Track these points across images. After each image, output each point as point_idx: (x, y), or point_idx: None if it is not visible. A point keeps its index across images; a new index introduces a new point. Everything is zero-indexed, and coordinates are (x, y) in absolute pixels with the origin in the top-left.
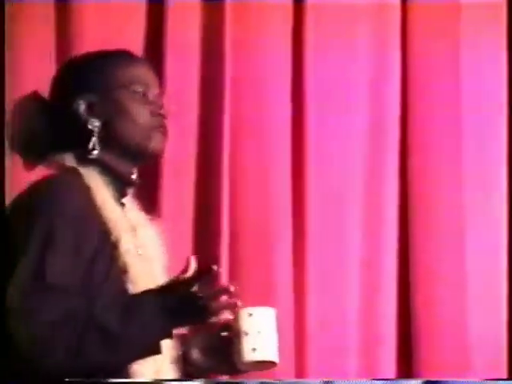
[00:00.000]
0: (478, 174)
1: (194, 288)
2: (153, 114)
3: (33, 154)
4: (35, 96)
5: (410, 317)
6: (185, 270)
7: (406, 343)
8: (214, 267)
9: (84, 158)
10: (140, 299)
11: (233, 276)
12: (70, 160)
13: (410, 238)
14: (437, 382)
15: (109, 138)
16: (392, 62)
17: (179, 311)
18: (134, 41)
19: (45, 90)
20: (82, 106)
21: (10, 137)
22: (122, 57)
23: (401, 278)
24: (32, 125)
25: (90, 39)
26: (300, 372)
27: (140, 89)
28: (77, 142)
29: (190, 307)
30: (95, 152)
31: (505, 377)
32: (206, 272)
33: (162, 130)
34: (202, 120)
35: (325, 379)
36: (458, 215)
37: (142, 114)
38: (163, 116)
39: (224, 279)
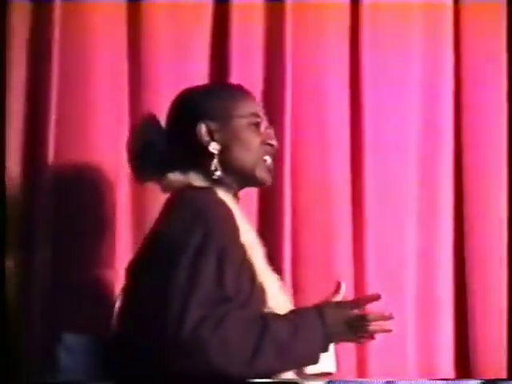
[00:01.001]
0: None
1: (353, 312)
2: (263, 143)
3: (148, 170)
4: (153, 119)
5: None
6: (336, 292)
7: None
8: (377, 295)
9: (208, 179)
10: (306, 318)
11: (294, 269)
12: (196, 179)
13: (464, 230)
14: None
15: (226, 162)
16: (445, 61)
17: (339, 333)
18: (201, 40)
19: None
20: (204, 131)
21: (129, 153)
22: (238, 91)
23: (457, 270)
24: (150, 145)
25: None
26: (361, 372)
27: (254, 120)
28: (198, 163)
29: (349, 329)
30: (218, 173)
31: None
32: (365, 300)
33: (270, 158)
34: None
35: (388, 379)
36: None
37: (255, 143)
38: (272, 146)
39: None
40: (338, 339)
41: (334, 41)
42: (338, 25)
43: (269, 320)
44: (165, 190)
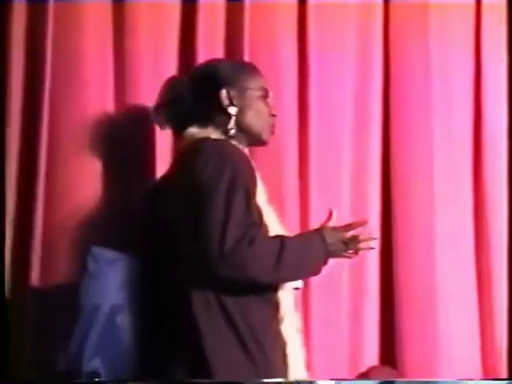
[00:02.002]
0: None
1: (347, 234)
2: (269, 113)
3: (171, 118)
4: (182, 80)
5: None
6: (329, 219)
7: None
8: (364, 221)
9: (224, 135)
10: (310, 239)
11: None
12: (213, 133)
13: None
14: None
15: (240, 123)
16: (375, 60)
17: (336, 250)
18: (172, 35)
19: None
20: (225, 96)
21: (158, 108)
22: (253, 68)
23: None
24: (177, 97)
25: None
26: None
27: (264, 94)
28: (216, 121)
29: (343, 247)
30: (233, 131)
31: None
32: (356, 224)
33: (272, 127)
34: None
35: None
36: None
37: (264, 112)
38: (274, 116)
39: None
40: (334, 255)
41: (284, 38)
42: (287, 23)
43: (284, 239)
44: (182, 140)
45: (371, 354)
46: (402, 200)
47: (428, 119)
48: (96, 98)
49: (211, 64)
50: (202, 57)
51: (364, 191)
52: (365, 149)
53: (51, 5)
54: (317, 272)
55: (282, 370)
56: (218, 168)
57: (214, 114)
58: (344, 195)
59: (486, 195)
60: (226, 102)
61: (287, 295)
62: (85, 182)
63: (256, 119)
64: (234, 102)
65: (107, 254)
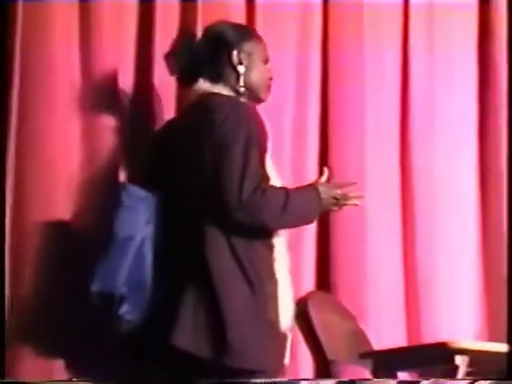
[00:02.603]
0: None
1: (338, 191)
2: (268, 75)
3: (187, 75)
4: (196, 36)
5: None
6: (321, 175)
7: None
8: (353, 183)
9: (234, 91)
10: (307, 191)
11: None
12: (223, 90)
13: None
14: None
15: (245, 81)
16: (313, 60)
17: (327, 203)
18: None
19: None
20: (235, 55)
21: (171, 55)
22: (259, 36)
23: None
24: (192, 53)
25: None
26: None
27: (266, 59)
28: (225, 78)
29: (333, 201)
30: (242, 88)
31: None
32: (346, 183)
33: (269, 88)
34: None
35: None
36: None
37: (264, 73)
38: (271, 79)
39: None
40: (326, 208)
41: None
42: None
43: (288, 191)
44: (192, 91)
45: (309, 282)
46: (336, 150)
47: (362, 86)
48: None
49: (224, 25)
50: (158, 54)
51: (304, 152)
52: (304, 113)
53: (20, 4)
54: (312, 221)
55: (275, 299)
56: (236, 125)
57: (224, 71)
58: (285, 156)
59: (410, 142)
60: (235, 60)
61: (281, 240)
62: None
63: (259, 79)
64: (243, 62)
65: (139, 191)
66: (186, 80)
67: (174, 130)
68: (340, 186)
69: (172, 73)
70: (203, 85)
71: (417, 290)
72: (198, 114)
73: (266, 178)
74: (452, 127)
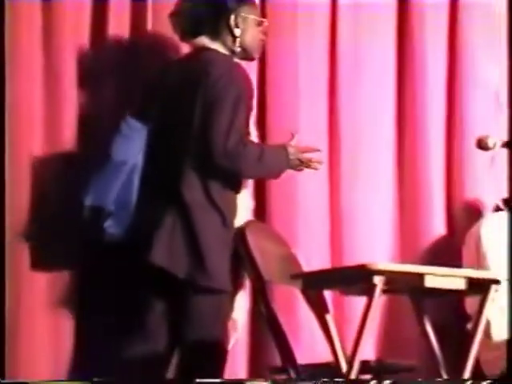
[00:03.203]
0: None
1: (304, 155)
2: (260, 37)
3: (189, 33)
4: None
5: None
6: (291, 139)
7: None
8: (317, 149)
9: (230, 51)
10: (277, 149)
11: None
12: (220, 48)
13: None
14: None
15: (240, 42)
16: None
17: (294, 164)
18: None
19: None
20: (233, 19)
21: (175, 14)
22: (254, 1)
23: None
24: (195, 12)
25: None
26: None
27: (259, 22)
28: (222, 38)
29: (299, 164)
30: (238, 48)
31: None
32: (311, 149)
33: (261, 48)
34: None
35: None
36: None
37: (257, 35)
38: (263, 41)
39: None
40: (291, 167)
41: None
42: None
43: (263, 147)
44: (192, 44)
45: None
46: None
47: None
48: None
49: None
50: (111, 52)
51: None
52: None
53: None
54: (278, 176)
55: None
56: (230, 82)
57: (222, 32)
58: None
59: (337, 90)
60: (233, 23)
61: (246, 188)
62: None
63: (252, 41)
64: (239, 26)
65: (136, 123)
66: (187, 37)
67: (171, 74)
68: (305, 151)
69: (175, 30)
70: (203, 40)
71: (340, 219)
72: (195, 64)
73: (248, 132)
74: (374, 77)
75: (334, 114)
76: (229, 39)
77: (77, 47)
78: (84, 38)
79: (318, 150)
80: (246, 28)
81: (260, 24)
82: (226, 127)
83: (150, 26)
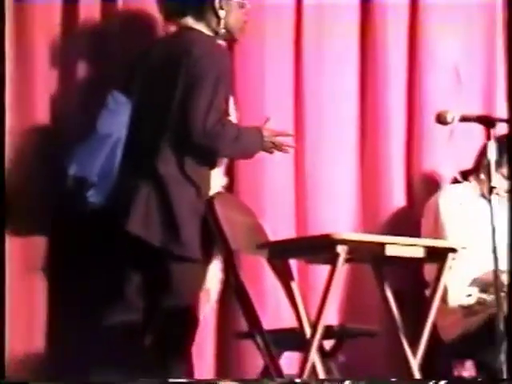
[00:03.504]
0: None
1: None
2: (243, 18)
3: (175, 12)
4: None
5: None
6: (265, 123)
7: None
8: (289, 133)
9: (214, 32)
10: (252, 130)
11: None
12: (207, 30)
13: None
14: None
15: (224, 24)
16: None
17: (267, 146)
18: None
19: None
20: (217, 2)
21: None
22: None
23: None
24: None
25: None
26: None
27: (242, 4)
28: (207, 20)
29: (271, 146)
30: (223, 30)
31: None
32: (284, 133)
33: (244, 29)
34: None
35: None
36: None
37: (240, 17)
38: (246, 22)
39: None
40: (263, 149)
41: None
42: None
43: (240, 127)
44: (178, 24)
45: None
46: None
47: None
48: None
49: None
50: (83, 51)
51: None
52: None
53: None
54: (251, 157)
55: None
56: (211, 62)
57: (206, 14)
58: None
59: (302, 66)
60: (218, 6)
61: (220, 166)
62: None
63: (236, 22)
64: (223, 8)
65: (122, 97)
66: (172, 17)
67: (156, 52)
68: (278, 135)
69: (160, 11)
70: (187, 20)
71: (305, 191)
72: (179, 43)
73: (227, 112)
74: (338, 55)
75: (299, 90)
76: (213, 20)
77: (49, 27)
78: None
79: (290, 135)
80: (230, 10)
81: (243, 6)
82: (205, 106)
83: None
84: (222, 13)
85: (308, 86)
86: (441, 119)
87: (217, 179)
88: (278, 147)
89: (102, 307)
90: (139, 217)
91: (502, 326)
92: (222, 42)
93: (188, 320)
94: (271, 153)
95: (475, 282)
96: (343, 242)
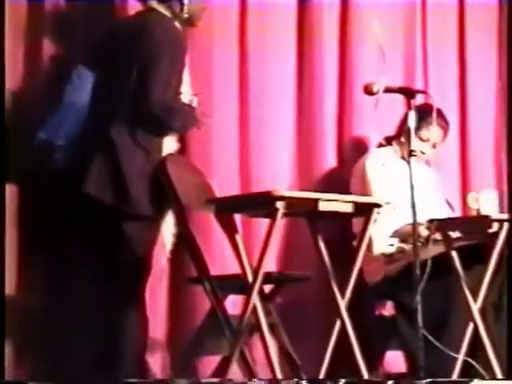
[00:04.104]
0: None
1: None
2: (204, 5)
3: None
4: None
5: None
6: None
7: None
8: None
9: (174, 15)
10: (192, 111)
11: None
12: (167, 12)
13: None
14: None
15: (187, 11)
16: None
17: (193, 122)
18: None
19: None
20: None
21: None
22: None
23: None
24: None
25: None
26: None
27: None
28: (172, 4)
29: (198, 124)
30: (186, 15)
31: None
32: (208, 114)
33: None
34: None
35: None
36: None
37: (201, 6)
38: (205, 9)
39: None
40: (194, 126)
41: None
42: None
43: (184, 103)
44: (144, 6)
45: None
46: None
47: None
48: None
49: None
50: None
51: None
52: None
53: None
54: (186, 132)
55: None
56: (169, 42)
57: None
58: None
59: (247, 35)
60: None
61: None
62: None
63: (197, 9)
64: None
65: (86, 72)
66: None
67: (119, 29)
68: (204, 114)
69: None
70: (152, 2)
71: (248, 153)
72: (141, 22)
73: (179, 88)
74: (278, 42)
75: (244, 66)
76: (177, 6)
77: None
78: None
79: (211, 116)
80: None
81: None
82: (163, 82)
83: None
84: (186, 1)
85: (252, 67)
86: (368, 90)
87: (169, 145)
88: (200, 125)
89: (64, 267)
90: (94, 179)
91: (418, 271)
92: (179, 26)
93: (142, 270)
94: (199, 128)
95: (396, 234)
96: (281, 198)
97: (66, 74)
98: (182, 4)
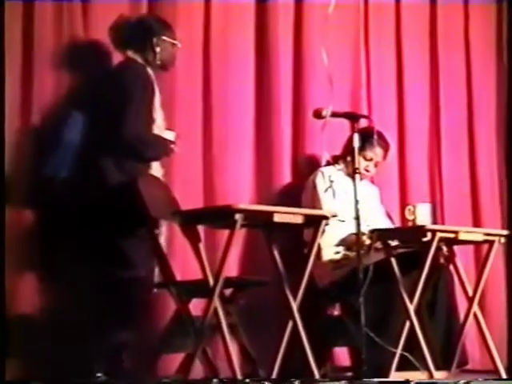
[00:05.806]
0: None
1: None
2: (174, 54)
3: (121, 45)
4: (128, 20)
5: None
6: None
7: None
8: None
9: (148, 62)
10: (165, 141)
11: None
12: (142, 61)
13: None
14: None
15: (159, 58)
16: None
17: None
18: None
19: None
20: (155, 41)
21: (113, 30)
22: (170, 25)
23: None
24: (127, 30)
25: None
26: None
27: (174, 42)
28: (147, 54)
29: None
30: (158, 62)
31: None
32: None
33: (174, 62)
34: None
35: None
36: None
37: (172, 53)
38: (175, 57)
39: None
40: (166, 155)
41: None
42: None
43: (157, 135)
44: (123, 53)
45: None
46: None
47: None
48: None
49: (150, 18)
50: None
51: None
52: None
53: None
54: (159, 160)
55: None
56: (140, 85)
57: (146, 48)
58: None
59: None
60: (155, 44)
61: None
62: None
63: (168, 57)
64: (160, 46)
65: (79, 115)
66: (119, 48)
67: (105, 77)
68: (173, 143)
69: (112, 42)
70: (129, 52)
71: (212, 169)
72: (119, 70)
73: (153, 121)
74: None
75: (208, 89)
76: (150, 54)
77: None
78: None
79: (177, 143)
80: (164, 48)
81: (174, 46)
82: (136, 118)
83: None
84: (158, 49)
85: (215, 87)
86: (317, 114)
87: (155, 170)
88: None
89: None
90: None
91: (361, 276)
92: (151, 71)
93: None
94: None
95: (342, 242)
96: (240, 211)
97: (64, 118)
98: (154, 53)
